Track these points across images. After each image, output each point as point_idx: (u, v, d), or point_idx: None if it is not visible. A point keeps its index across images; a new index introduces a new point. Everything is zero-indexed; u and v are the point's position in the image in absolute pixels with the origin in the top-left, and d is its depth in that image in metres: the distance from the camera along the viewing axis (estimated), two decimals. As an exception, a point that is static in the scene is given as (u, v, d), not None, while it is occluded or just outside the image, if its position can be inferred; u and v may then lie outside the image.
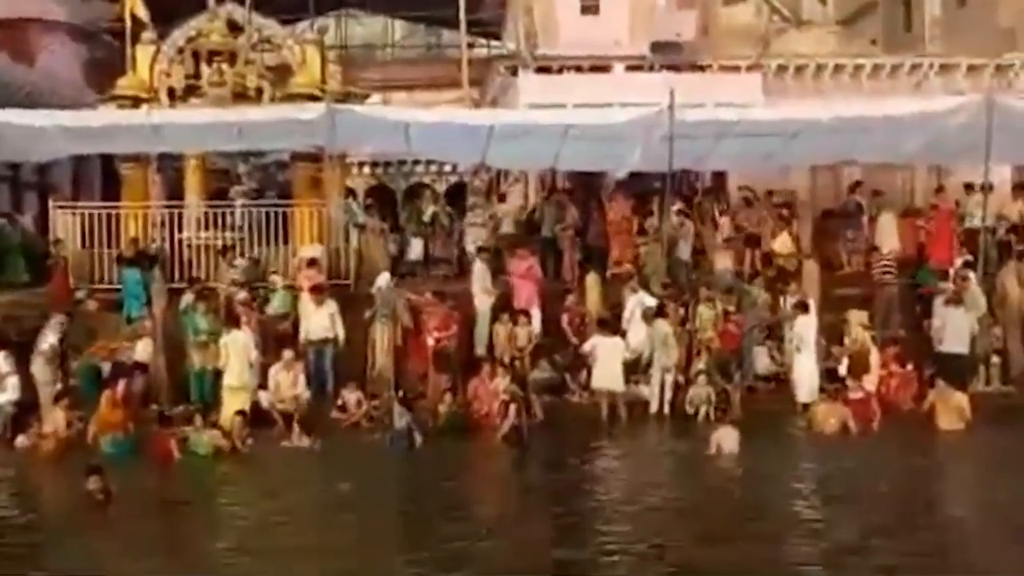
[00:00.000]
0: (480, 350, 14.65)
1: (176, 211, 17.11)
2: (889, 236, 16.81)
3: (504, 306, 15.16)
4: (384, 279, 14.75)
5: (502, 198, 20.32)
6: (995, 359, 14.67)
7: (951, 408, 12.79)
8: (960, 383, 13.35)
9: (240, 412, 12.36)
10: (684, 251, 16.61)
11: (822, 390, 13.32)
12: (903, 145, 16.24)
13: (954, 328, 13.65)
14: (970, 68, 21.60)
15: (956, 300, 14.21)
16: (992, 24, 22.27)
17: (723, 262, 16.41)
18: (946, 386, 13.00)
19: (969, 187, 17.60)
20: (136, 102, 17.02)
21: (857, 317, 14.90)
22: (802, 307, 14.20)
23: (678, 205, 17.22)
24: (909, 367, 14.00)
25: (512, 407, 12.39)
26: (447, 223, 18.08)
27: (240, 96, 17.07)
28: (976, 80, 21.13)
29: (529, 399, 13.07)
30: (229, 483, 10.98)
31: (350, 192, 19.25)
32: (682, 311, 14.80)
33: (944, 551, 8.05)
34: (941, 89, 21.01)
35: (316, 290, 14.62)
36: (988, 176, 15.61)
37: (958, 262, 15.67)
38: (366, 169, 27.28)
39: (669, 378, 13.77)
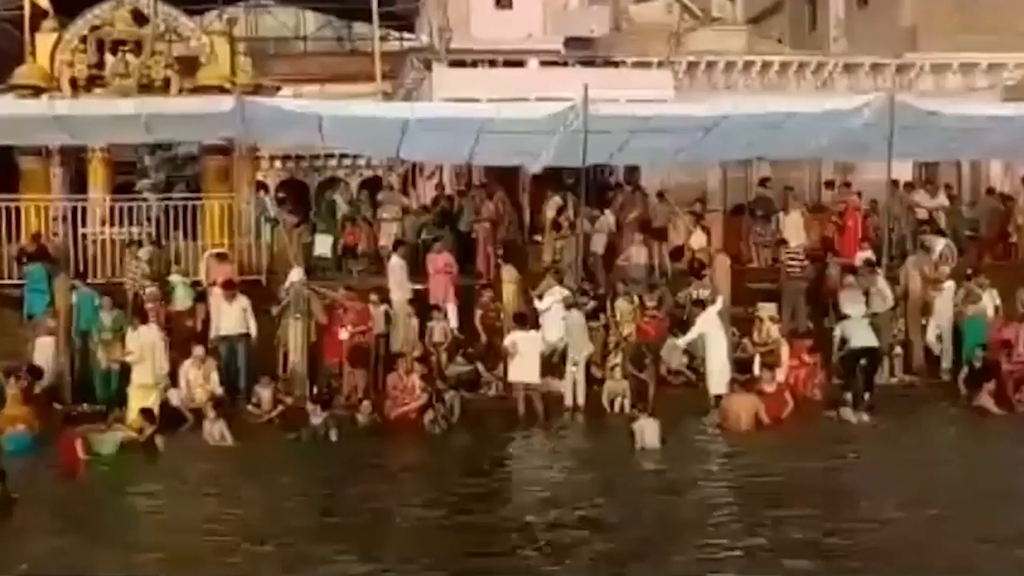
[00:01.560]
0: (396, 346, 14.55)
1: (79, 205, 16.61)
2: (796, 231, 17.20)
3: (420, 301, 15.10)
4: (297, 274, 14.54)
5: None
6: (898, 351, 15.10)
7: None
8: (868, 376, 13.72)
9: (145, 410, 12.04)
10: (599, 245, 16.73)
11: (734, 381, 13.55)
12: (810, 141, 16.64)
13: (856, 329, 14.04)
14: (873, 67, 22.19)
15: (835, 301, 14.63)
16: (893, 24, 22.90)
17: (638, 256, 16.57)
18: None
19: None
20: (37, 92, 16.46)
21: (767, 310, 15.24)
22: (709, 301, 14.44)
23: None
24: (815, 358, 14.33)
25: (428, 402, 12.39)
26: (369, 216, 17.85)
27: (146, 87, 16.69)
28: (879, 79, 21.72)
29: (444, 394, 13.05)
30: (134, 482, 10.70)
31: (261, 186, 18.95)
32: (593, 304, 14.92)
33: (871, 545, 8.19)
34: (845, 87, 21.54)
35: (227, 285, 14.34)
36: (891, 173, 16.07)
37: (863, 256, 16.09)
38: (278, 162, 26.88)
39: (580, 371, 13.86)
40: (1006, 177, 20.86)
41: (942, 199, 18.91)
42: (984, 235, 18.40)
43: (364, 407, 12.86)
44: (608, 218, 16.86)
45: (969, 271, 16.05)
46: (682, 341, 14.35)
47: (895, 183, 16.85)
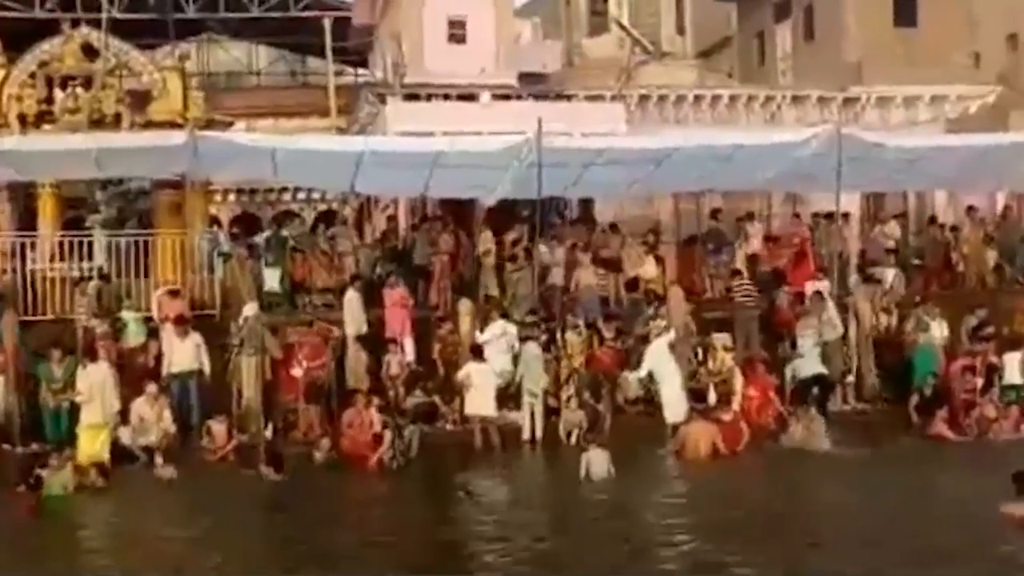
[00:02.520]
0: (352, 381, 14.46)
1: (28, 241, 16.37)
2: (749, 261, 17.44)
3: (376, 335, 15.04)
4: (251, 309, 14.43)
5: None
6: (850, 378, 15.31)
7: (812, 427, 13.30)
8: (821, 404, 13.89)
9: (97, 464, 11.80)
10: (557, 277, 16.77)
11: (692, 410, 13.63)
12: (759, 173, 16.91)
13: (807, 362, 14.23)
14: (820, 100, 22.62)
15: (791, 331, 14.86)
16: (839, 59, 23.40)
17: (587, 278, 16.64)
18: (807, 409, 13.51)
19: (828, 216, 18.35)
20: (-16, 127, 16.25)
21: (721, 340, 15.39)
22: (664, 330, 14.55)
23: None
24: (770, 387, 14.48)
25: (386, 436, 12.27)
26: (328, 249, 17.67)
27: (97, 123, 16.53)
28: (825, 111, 22.14)
29: (403, 428, 12.98)
30: (86, 525, 10.49)
31: (214, 220, 18.81)
32: (545, 336, 14.98)
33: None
34: (793, 120, 21.92)
35: (179, 321, 14.19)
36: (839, 204, 16.36)
37: (813, 287, 16.30)
38: (231, 196, 26.69)
39: (538, 403, 13.87)
40: (950, 207, 21.29)
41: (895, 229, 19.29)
42: (929, 264, 18.75)
43: (323, 444, 12.73)
44: (558, 251, 16.89)
45: (917, 299, 16.36)
46: (633, 376, 14.42)
47: (845, 215, 17.14)
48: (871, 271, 17.08)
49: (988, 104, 23.42)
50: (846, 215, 17.08)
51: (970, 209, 19.44)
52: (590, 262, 17.08)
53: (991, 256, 18.49)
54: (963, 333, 15.58)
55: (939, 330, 15.39)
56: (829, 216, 17.79)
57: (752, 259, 17.73)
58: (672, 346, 14.46)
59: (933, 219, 20.32)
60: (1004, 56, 27.82)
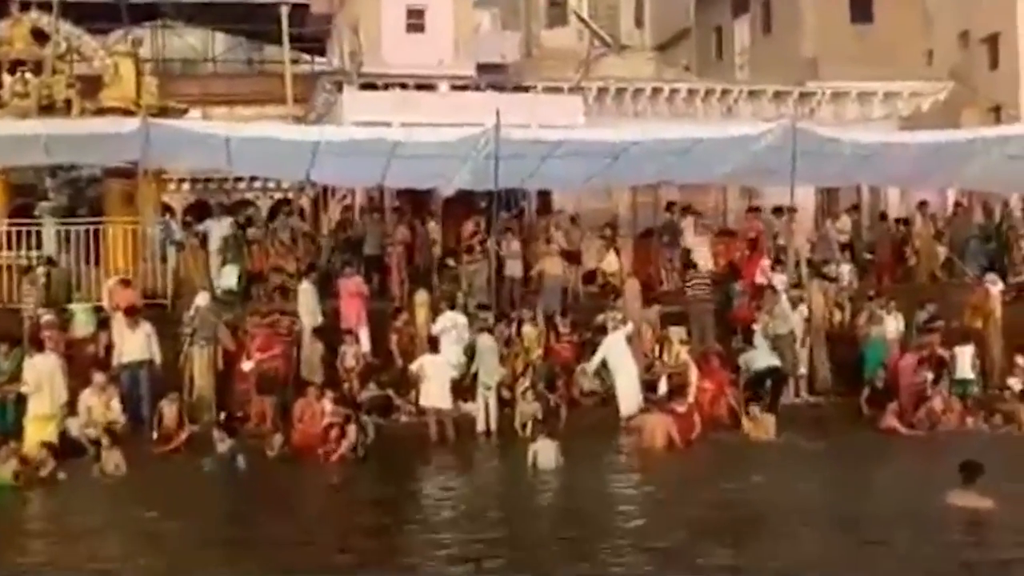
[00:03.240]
0: (307, 372, 14.34)
1: (-26, 229, 16.05)
2: (703, 255, 17.52)
3: (331, 326, 14.92)
4: (203, 299, 14.25)
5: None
6: (802, 371, 15.44)
7: (761, 422, 13.42)
8: (774, 395, 14.02)
9: (47, 444, 11.63)
10: (515, 269, 16.72)
11: (648, 402, 13.68)
12: (716, 167, 17.02)
13: (760, 351, 14.35)
14: (776, 95, 22.79)
15: (748, 326, 15.03)
16: (796, 54, 23.60)
17: (556, 279, 16.65)
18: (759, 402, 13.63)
19: (777, 210, 18.51)
20: (-70, 112, 15.91)
21: (676, 333, 15.47)
22: (620, 322, 14.59)
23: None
24: (724, 381, 14.57)
25: (350, 428, 12.26)
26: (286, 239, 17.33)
27: (47, 108, 16.24)
28: (782, 106, 22.30)
29: (360, 420, 12.90)
30: (32, 518, 10.31)
31: (167, 209, 18.56)
32: (508, 329, 14.97)
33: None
34: (750, 114, 22.07)
35: (130, 311, 13.97)
36: (793, 198, 16.51)
37: (777, 280, 16.42)
38: (185, 185, 26.34)
39: (492, 395, 13.85)
40: (903, 202, 21.55)
41: (846, 223, 19.48)
42: (881, 259, 18.97)
43: (275, 441, 12.59)
44: (514, 243, 16.83)
45: (871, 293, 16.55)
46: (590, 367, 14.45)
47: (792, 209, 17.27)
48: (824, 266, 17.24)
49: (940, 101, 23.73)
50: (792, 210, 17.21)
51: (922, 204, 19.70)
52: (557, 252, 17.05)
53: (941, 251, 18.75)
54: (915, 327, 15.76)
55: (893, 324, 15.57)
56: (779, 210, 17.96)
57: (686, 253, 17.85)
58: (629, 339, 14.50)
59: (884, 215, 20.58)
60: (956, 53, 28.27)
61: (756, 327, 14.98)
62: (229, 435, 11.92)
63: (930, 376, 14.54)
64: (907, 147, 17.35)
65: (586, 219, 19.22)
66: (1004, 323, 16.09)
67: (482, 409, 13.81)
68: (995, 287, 16.51)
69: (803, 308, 15.51)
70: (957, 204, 20.81)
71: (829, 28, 23.25)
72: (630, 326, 14.55)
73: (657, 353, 15.20)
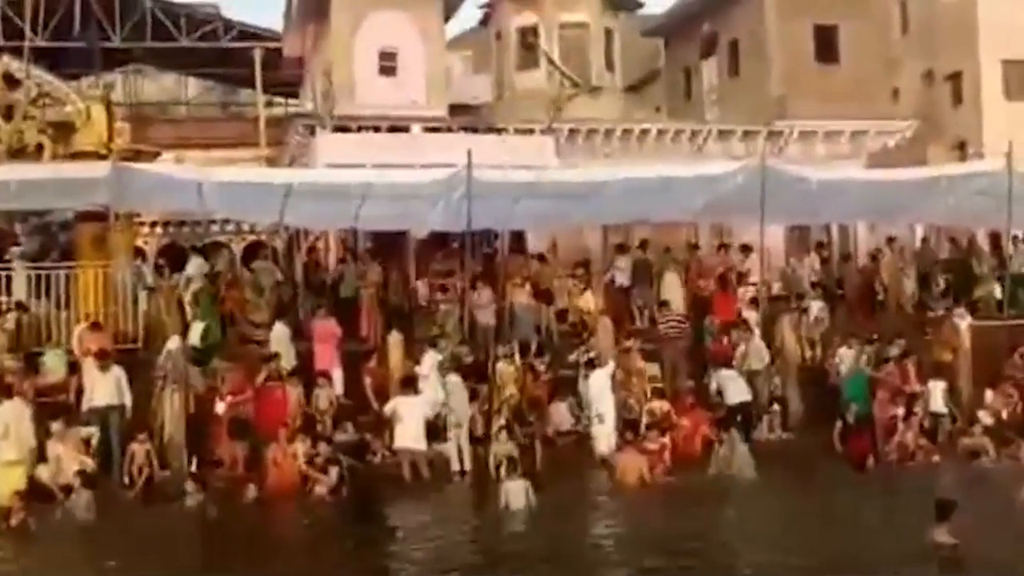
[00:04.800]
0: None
1: (-56, 274, 15.94)
2: (675, 292, 17.65)
3: (305, 368, 14.88)
4: (175, 343, 14.18)
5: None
6: (775, 407, 15.53)
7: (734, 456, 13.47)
8: (746, 432, 14.06)
9: (19, 492, 11.49)
10: (488, 316, 16.59)
11: (623, 440, 13.69)
12: (687, 206, 17.19)
13: (733, 386, 14.41)
14: (745, 134, 23.10)
15: (726, 363, 15.08)
16: (764, 94, 23.95)
17: (528, 310, 16.67)
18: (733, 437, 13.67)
19: (745, 248, 18.69)
20: (-99, 159, 15.84)
21: (649, 371, 15.53)
22: (597, 362, 14.62)
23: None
24: (700, 419, 14.62)
25: (332, 469, 12.24)
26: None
27: (18, 153, 16.20)
28: (750, 145, 22.58)
29: (333, 463, 12.83)
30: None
31: (139, 252, 18.50)
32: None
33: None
34: (720, 153, 22.32)
35: (101, 355, 13.87)
36: (763, 236, 16.69)
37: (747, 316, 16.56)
38: (158, 228, 26.27)
39: (464, 434, 13.83)
40: (872, 237, 21.79)
41: (815, 261, 19.67)
42: (850, 295, 19.14)
43: (249, 492, 12.49)
44: (484, 292, 16.81)
45: (840, 334, 16.64)
46: (594, 414, 14.35)
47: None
48: (794, 302, 17.38)
49: (907, 138, 24.12)
50: (748, 248, 17.43)
51: (890, 240, 19.94)
52: (527, 286, 17.11)
53: (909, 286, 18.94)
54: (881, 361, 15.84)
55: (860, 360, 15.67)
56: (747, 248, 18.13)
57: (620, 290, 17.98)
58: (612, 377, 14.54)
59: (847, 256, 20.81)
60: (921, 92, 28.78)
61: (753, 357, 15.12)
62: (201, 487, 11.68)
63: (900, 411, 14.63)
64: (874, 184, 17.61)
65: (560, 258, 19.31)
66: (973, 358, 16.24)
67: (454, 449, 13.77)
68: (963, 321, 16.70)
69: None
70: (924, 239, 21.09)
71: (795, 68, 23.63)
72: (611, 365, 14.56)
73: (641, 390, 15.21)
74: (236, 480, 12.80)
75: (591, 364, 14.74)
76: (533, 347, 16.00)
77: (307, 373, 14.78)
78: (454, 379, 14.02)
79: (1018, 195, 16.76)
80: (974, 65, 27.43)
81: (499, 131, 21.91)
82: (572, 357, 15.67)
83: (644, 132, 22.90)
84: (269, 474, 12.73)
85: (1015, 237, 19.18)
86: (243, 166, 22.22)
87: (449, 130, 21.48)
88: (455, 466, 13.72)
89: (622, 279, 18.38)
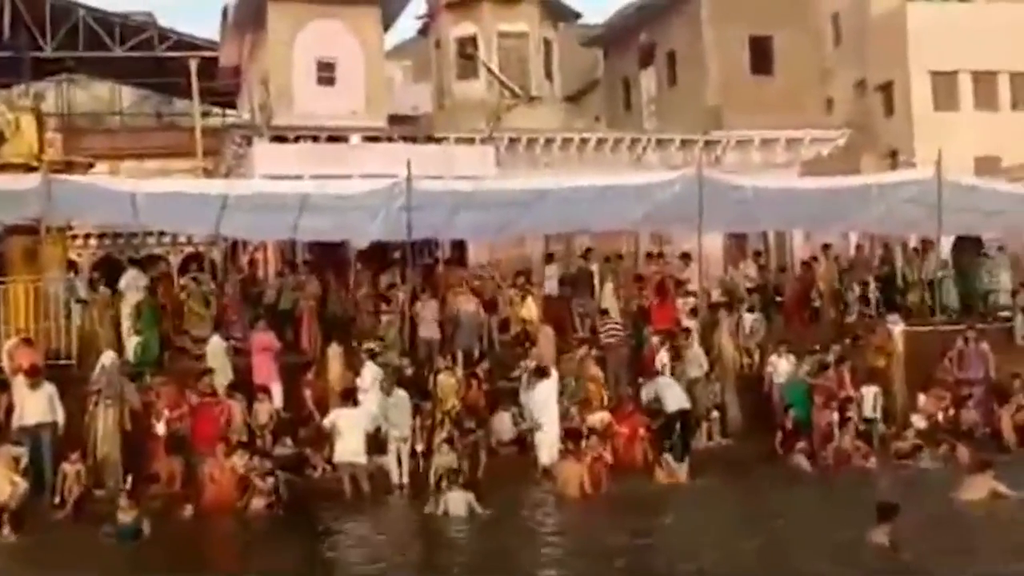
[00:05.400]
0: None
1: None
2: (612, 301, 17.75)
3: (244, 382, 14.67)
4: (109, 358, 13.90)
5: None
6: (715, 414, 15.69)
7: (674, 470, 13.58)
8: (685, 439, 14.18)
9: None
10: (431, 330, 16.40)
11: (564, 450, 13.71)
12: (626, 214, 17.33)
13: (671, 394, 14.58)
14: (683, 143, 23.37)
15: (660, 372, 15.20)
16: (700, 103, 24.26)
17: (471, 316, 16.66)
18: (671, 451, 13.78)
19: (685, 256, 18.87)
20: None
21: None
22: (541, 372, 14.62)
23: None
24: (639, 426, 14.70)
25: (269, 480, 12.11)
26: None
27: (-57, 165, 15.79)
28: (688, 154, 22.83)
29: (271, 477, 12.67)
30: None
31: (73, 266, 18.12)
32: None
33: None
34: (658, 162, 22.55)
35: (32, 371, 13.54)
36: (701, 243, 16.87)
37: (686, 325, 16.70)
38: (92, 240, 25.82)
39: (405, 447, 13.76)
40: (808, 244, 22.14)
41: (751, 269, 19.92)
42: (788, 302, 19.39)
43: (187, 508, 12.28)
44: (430, 304, 16.75)
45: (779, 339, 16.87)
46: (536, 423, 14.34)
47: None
48: (730, 309, 17.55)
49: (840, 147, 24.57)
50: (687, 256, 17.63)
51: (825, 247, 20.25)
52: (469, 291, 17.09)
53: (845, 293, 19.22)
54: (819, 368, 16.07)
55: (793, 367, 15.88)
56: (686, 256, 18.32)
57: (561, 299, 18.09)
58: (559, 388, 14.55)
59: (783, 268, 21.12)
60: (854, 101, 29.40)
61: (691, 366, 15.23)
62: (135, 503, 11.46)
63: (835, 416, 14.86)
64: (809, 192, 17.92)
65: (502, 268, 19.32)
66: (906, 363, 16.56)
67: (394, 462, 13.67)
68: (897, 327, 17.02)
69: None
70: (859, 246, 21.46)
71: (731, 79, 23.97)
72: (555, 376, 14.56)
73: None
74: (173, 496, 12.58)
75: (538, 373, 14.70)
76: (476, 354, 15.95)
77: (245, 386, 14.58)
78: (400, 393, 13.90)
79: (947, 203, 17.16)
80: (904, 76, 28.09)
81: (439, 141, 21.89)
82: (516, 372, 15.59)
83: (584, 142, 23.05)
84: (206, 490, 12.53)
85: (929, 244, 19.68)
86: (179, 177, 21.92)
87: (389, 140, 21.43)
88: (395, 479, 13.64)
89: (550, 288, 18.44)
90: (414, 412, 14.10)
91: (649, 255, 20.12)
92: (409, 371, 15.06)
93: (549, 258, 19.04)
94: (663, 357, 15.68)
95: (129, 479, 12.60)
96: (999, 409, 15.77)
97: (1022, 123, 27.77)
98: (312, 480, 13.65)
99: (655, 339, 16.07)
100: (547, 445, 14.00)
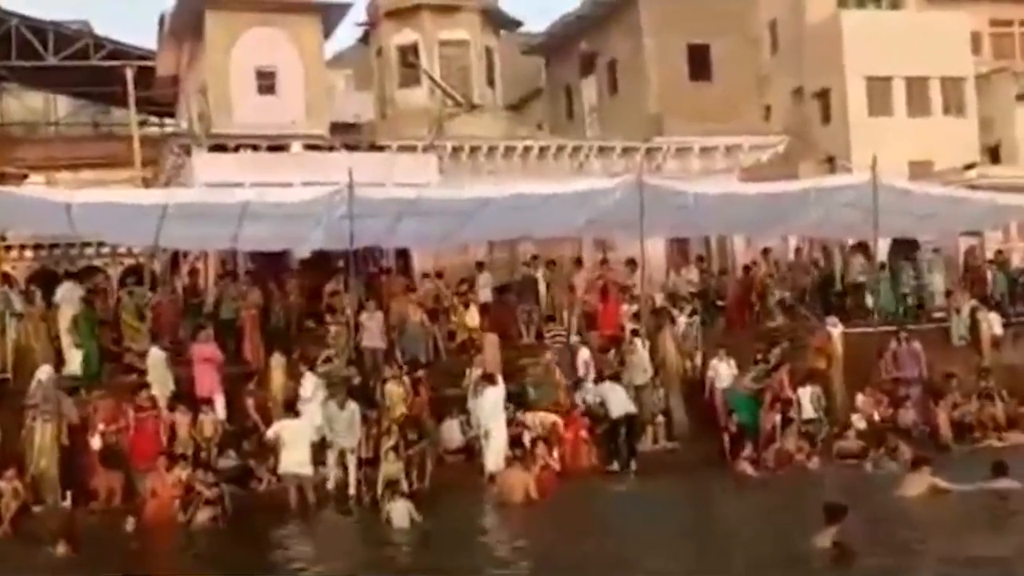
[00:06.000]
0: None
1: None
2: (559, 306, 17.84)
3: (186, 394, 14.46)
4: (45, 372, 13.62)
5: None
6: (660, 418, 15.81)
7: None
8: (630, 443, 14.28)
9: None
10: (376, 339, 16.31)
11: (512, 457, 13.72)
12: (569, 221, 17.42)
13: (616, 399, 14.66)
14: (624, 150, 23.51)
15: (612, 376, 15.30)
16: (642, 111, 24.45)
17: (416, 326, 16.62)
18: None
19: (631, 262, 19.00)
20: None
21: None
22: (489, 379, 14.62)
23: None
24: (585, 431, 14.77)
25: (214, 491, 11.98)
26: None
27: None
28: (630, 161, 22.99)
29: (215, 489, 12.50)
30: None
31: (7, 278, 17.72)
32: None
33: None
34: (600, 170, 22.65)
35: (-35, 387, 13.23)
36: (643, 249, 17.00)
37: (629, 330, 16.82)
38: (28, 252, 25.28)
39: (352, 457, 13.67)
40: (748, 249, 22.42)
41: (693, 274, 20.12)
42: (729, 306, 19.63)
43: (128, 521, 12.05)
44: (376, 315, 16.65)
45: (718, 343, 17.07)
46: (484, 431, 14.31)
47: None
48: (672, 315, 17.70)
49: (779, 153, 24.92)
50: (632, 262, 17.79)
51: (765, 251, 20.55)
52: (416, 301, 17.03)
53: (785, 295, 19.51)
54: (765, 374, 16.25)
55: (734, 371, 16.07)
56: (632, 261, 18.45)
57: (494, 306, 18.21)
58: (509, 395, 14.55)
59: (724, 271, 21.39)
60: (792, 109, 29.84)
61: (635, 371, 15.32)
62: (72, 548, 10.89)
63: (778, 418, 15.06)
64: (748, 198, 18.16)
65: (447, 275, 19.29)
66: (845, 364, 16.85)
67: (339, 472, 13.56)
68: (836, 330, 17.31)
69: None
70: (798, 250, 21.80)
71: (671, 87, 24.19)
72: (501, 385, 14.55)
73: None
74: (113, 512, 12.35)
75: (488, 380, 14.68)
76: (422, 359, 15.93)
77: (187, 398, 14.38)
78: (352, 406, 13.78)
79: (883, 206, 17.50)
80: (840, 82, 28.56)
81: (381, 149, 21.80)
82: (465, 382, 15.55)
83: (526, 149, 23.10)
84: (147, 505, 12.33)
85: (850, 247, 20.09)
86: (116, 187, 21.55)
87: (330, 148, 21.27)
88: (331, 487, 13.52)
89: (484, 297, 18.46)
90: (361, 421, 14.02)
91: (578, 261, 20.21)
92: (356, 380, 14.97)
93: (480, 266, 18.98)
94: (583, 355, 15.82)
95: (68, 495, 12.39)
96: (935, 407, 16.13)
97: (953, 128, 28.44)
98: (257, 492, 13.50)
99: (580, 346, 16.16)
100: (494, 452, 14.00)
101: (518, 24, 26.84)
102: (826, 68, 28.68)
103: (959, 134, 28.23)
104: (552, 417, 14.76)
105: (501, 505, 12.63)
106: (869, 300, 19.48)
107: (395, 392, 14.79)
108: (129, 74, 25.54)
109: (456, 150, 22.43)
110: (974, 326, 18.73)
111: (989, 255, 22.26)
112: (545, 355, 15.96)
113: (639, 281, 17.96)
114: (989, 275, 20.73)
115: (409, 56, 24.21)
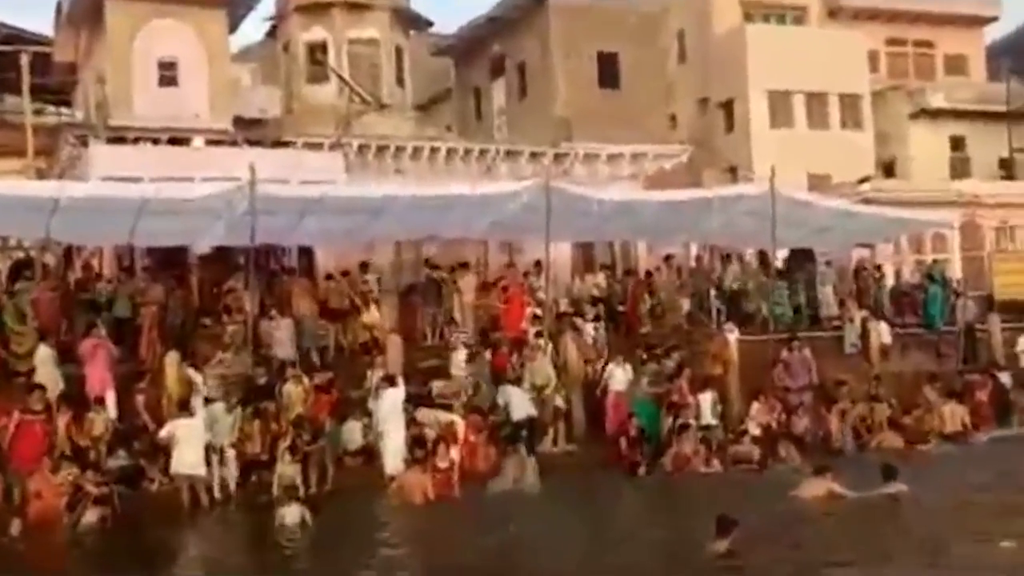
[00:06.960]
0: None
1: None
2: (465, 309, 17.82)
3: (76, 393, 14.01)
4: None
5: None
6: (560, 421, 15.89)
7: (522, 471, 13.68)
8: (530, 445, 14.33)
9: None
10: (286, 351, 16.09)
11: (411, 459, 13.64)
12: (475, 223, 17.44)
13: (518, 401, 14.72)
14: (532, 155, 23.63)
15: (513, 380, 15.39)
16: (550, 116, 24.64)
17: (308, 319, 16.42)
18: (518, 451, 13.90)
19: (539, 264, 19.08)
20: None
21: (439, 387, 15.56)
22: (389, 380, 14.52)
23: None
24: (486, 433, 14.78)
25: (99, 492, 11.74)
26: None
27: None
28: (537, 166, 23.08)
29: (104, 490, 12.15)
30: None
31: None
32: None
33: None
34: (507, 173, 22.73)
35: None
36: (548, 253, 17.11)
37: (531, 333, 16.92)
38: (-90, 245, 24.17)
39: (230, 459, 13.44)
40: (651, 255, 22.72)
41: (600, 279, 20.31)
42: (629, 311, 19.85)
43: (13, 526, 11.62)
44: (284, 322, 16.35)
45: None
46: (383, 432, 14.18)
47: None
48: (574, 319, 17.84)
49: (683, 162, 25.36)
50: (538, 264, 17.88)
51: (667, 258, 20.88)
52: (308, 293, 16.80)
53: (684, 302, 19.84)
54: (665, 379, 16.47)
55: (629, 375, 16.27)
56: (538, 264, 18.55)
57: (410, 307, 18.22)
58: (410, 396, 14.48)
59: (629, 271, 21.67)
60: (696, 118, 30.40)
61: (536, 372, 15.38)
62: None
63: (670, 420, 15.30)
64: (651, 205, 18.42)
65: (350, 276, 19.06)
66: (741, 370, 17.21)
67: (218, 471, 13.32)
68: (732, 335, 17.67)
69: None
70: (699, 257, 22.20)
71: (579, 93, 24.44)
72: (402, 387, 14.46)
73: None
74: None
75: (388, 381, 14.58)
76: (315, 354, 15.84)
77: (78, 396, 13.94)
78: (238, 411, 13.51)
79: (782, 217, 17.92)
80: (743, 94, 29.19)
81: (287, 145, 21.50)
82: (367, 383, 15.42)
83: (434, 150, 23.04)
84: (31, 507, 11.91)
85: (727, 255, 20.57)
86: (8, 177, 20.76)
87: (234, 143, 20.89)
88: (232, 488, 13.30)
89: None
90: (255, 416, 13.77)
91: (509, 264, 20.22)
92: (263, 380, 14.72)
93: (364, 267, 18.83)
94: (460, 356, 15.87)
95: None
96: (827, 414, 16.59)
97: (850, 142, 29.32)
98: (149, 493, 13.16)
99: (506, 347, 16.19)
100: (391, 454, 13.93)
101: (429, 24, 26.80)
102: (731, 79, 29.28)
103: (856, 148, 29.11)
104: (449, 416, 14.73)
105: (399, 507, 12.54)
106: (750, 307, 19.81)
107: (294, 392, 14.62)
108: (24, 59, 24.64)
109: (363, 149, 22.26)
110: (865, 335, 19.34)
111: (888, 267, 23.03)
112: (484, 353, 16.01)
113: (544, 284, 18.08)
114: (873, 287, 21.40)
115: (317, 53, 23.95)
